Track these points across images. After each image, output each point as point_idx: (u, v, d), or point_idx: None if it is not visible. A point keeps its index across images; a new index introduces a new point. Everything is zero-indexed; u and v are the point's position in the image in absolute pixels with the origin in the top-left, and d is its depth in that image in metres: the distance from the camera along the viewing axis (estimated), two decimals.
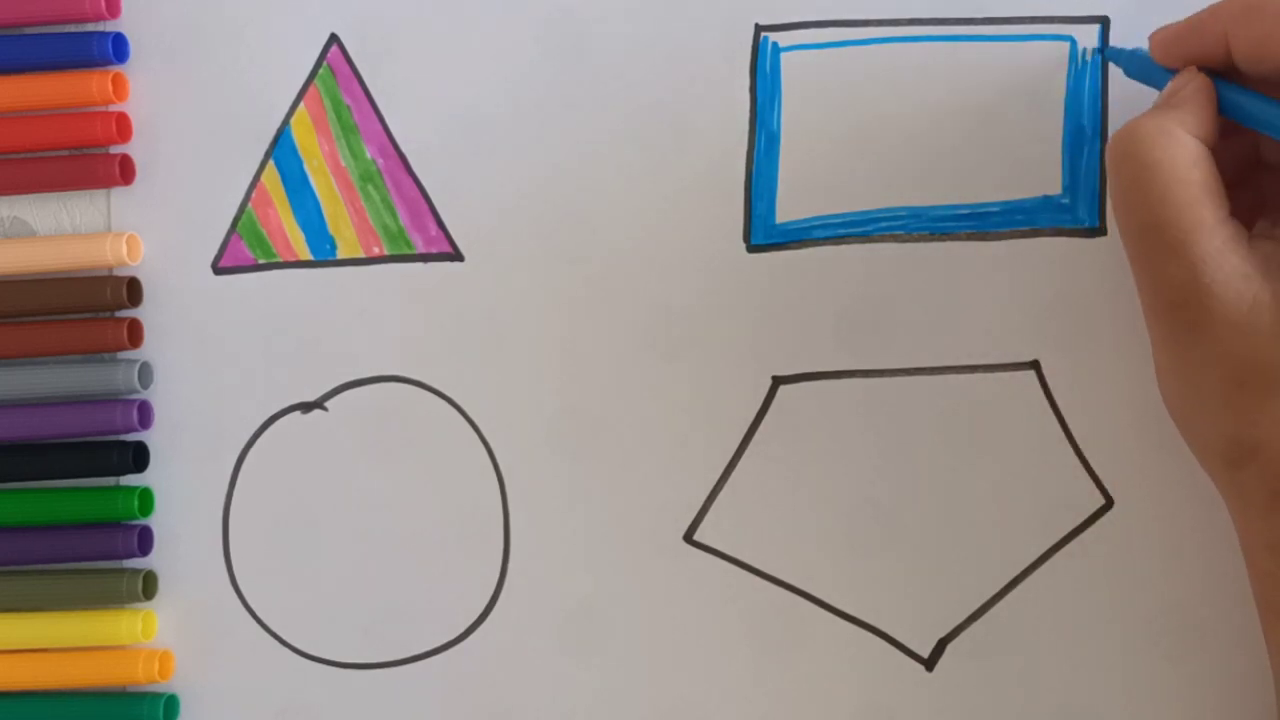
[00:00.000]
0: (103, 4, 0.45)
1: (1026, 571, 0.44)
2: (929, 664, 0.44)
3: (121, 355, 0.46)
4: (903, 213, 0.44)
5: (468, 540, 0.45)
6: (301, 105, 0.46)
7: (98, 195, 0.47)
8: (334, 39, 0.46)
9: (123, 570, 0.46)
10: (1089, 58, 0.43)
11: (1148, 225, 0.37)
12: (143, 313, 0.46)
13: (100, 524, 0.46)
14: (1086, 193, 0.44)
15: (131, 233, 0.46)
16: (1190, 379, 0.37)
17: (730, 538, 0.45)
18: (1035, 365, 0.44)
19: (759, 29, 0.44)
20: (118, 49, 0.46)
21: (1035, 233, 0.44)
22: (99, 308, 0.46)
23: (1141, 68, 0.41)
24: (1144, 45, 0.41)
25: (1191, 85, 0.38)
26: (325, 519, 0.46)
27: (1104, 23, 0.43)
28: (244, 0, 0.46)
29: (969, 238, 0.44)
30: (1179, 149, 0.36)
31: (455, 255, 0.46)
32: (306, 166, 0.46)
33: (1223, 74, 0.39)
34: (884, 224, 0.44)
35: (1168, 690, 0.43)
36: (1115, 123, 0.43)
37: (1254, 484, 0.37)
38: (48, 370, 0.45)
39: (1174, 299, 0.37)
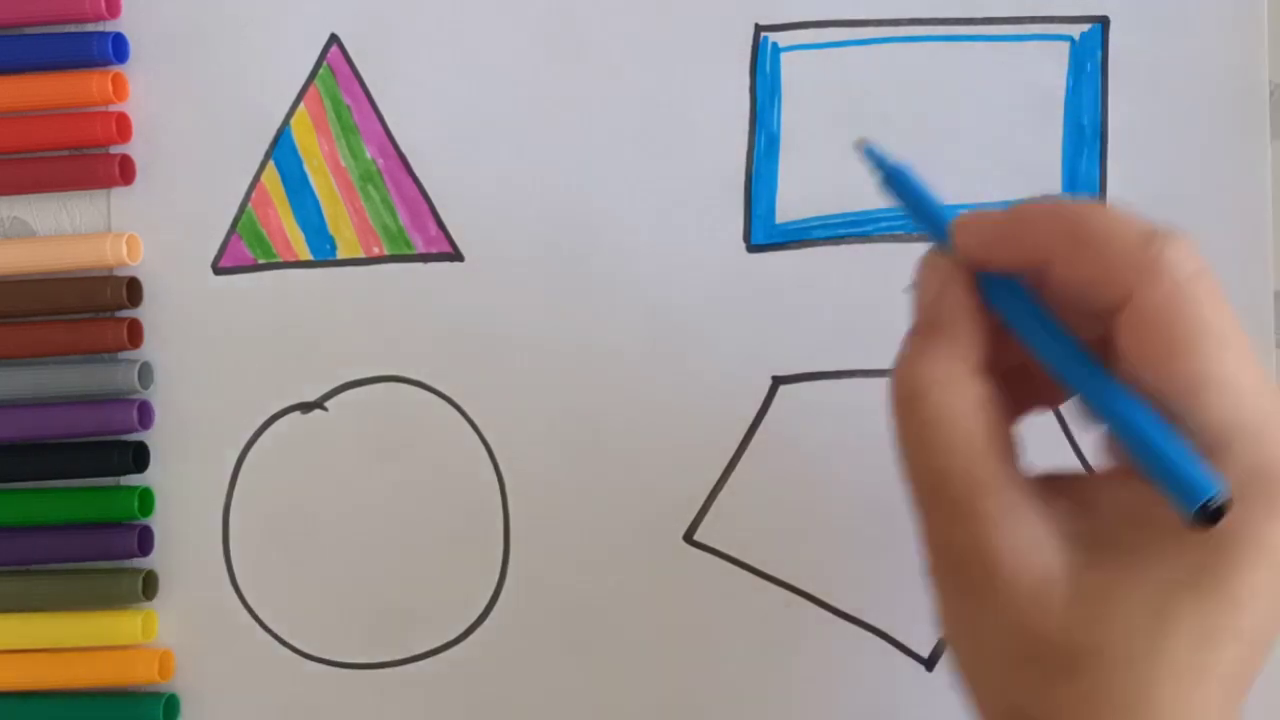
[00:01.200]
0: (103, 4, 0.45)
1: None
2: (929, 664, 0.44)
3: (121, 355, 0.46)
4: (903, 213, 0.44)
5: (468, 540, 0.45)
6: (301, 105, 0.46)
7: (98, 195, 0.46)
8: (334, 39, 0.46)
9: (123, 570, 0.46)
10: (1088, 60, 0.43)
11: (928, 482, 0.33)
12: (143, 313, 0.46)
13: (100, 524, 0.46)
14: (1085, 193, 0.44)
15: (131, 233, 0.46)
16: (975, 641, 0.33)
17: (730, 538, 0.45)
18: None
19: (759, 29, 0.44)
20: (118, 49, 0.46)
21: None
22: (99, 308, 0.46)
23: (903, 187, 0.37)
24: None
25: (950, 295, 0.34)
26: (325, 519, 0.46)
27: (1104, 23, 0.43)
28: (244, 0, 0.46)
29: None
30: (958, 398, 0.33)
31: (455, 255, 0.46)
32: (306, 166, 0.46)
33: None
34: (884, 224, 0.44)
35: None
36: (1115, 123, 0.43)
37: None
38: (48, 370, 0.45)
39: (956, 560, 0.33)
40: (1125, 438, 0.32)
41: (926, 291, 0.35)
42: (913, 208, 0.36)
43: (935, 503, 0.33)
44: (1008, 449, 0.33)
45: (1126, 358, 0.32)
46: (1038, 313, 0.34)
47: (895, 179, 0.37)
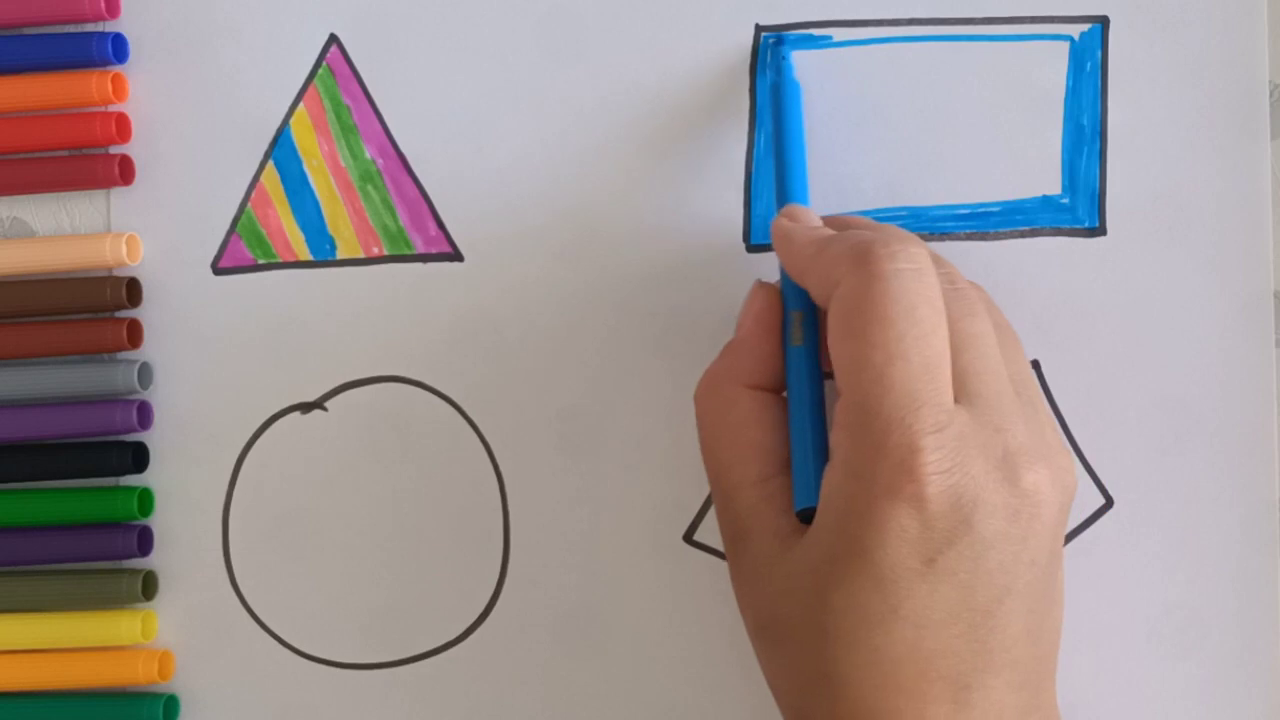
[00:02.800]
0: (102, 4, 0.45)
1: None
2: None
3: (121, 355, 0.46)
4: (903, 213, 0.44)
5: (468, 540, 0.45)
6: (301, 105, 0.46)
7: (97, 195, 0.46)
8: (334, 39, 0.46)
9: (123, 570, 0.46)
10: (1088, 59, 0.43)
11: (712, 473, 0.40)
12: (142, 313, 0.46)
13: (100, 524, 0.46)
14: (1086, 193, 0.44)
15: (131, 233, 0.46)
16: (735, 587, 0.40)
17: None
18: (1035, 365, 0.44)
19: (759, 29, 0.44)
20: (117, 49, 0.46)
21: (1035, 233, 0.44)
22: (99, 308, 0.46)
23: (784, 114, 0.43)
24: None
25: (749, 317, 0.40)
26: (325, 519, 0.46)
27: (1104, 23, 0.43)
28: (244, 0, 0.46)
29: (969, 238, 0.44)
30: (734, 411, 0.40)
31: (455, 255, 0.46)
32: (306, 167, 0.46)
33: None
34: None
35: (1168, 690, 0.43)
36: (1115, 122, 0.44)
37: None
38: (48, 370, 0.45)
39: (724, 528, 0.40)
40: (793, 439, 0.39)
41: (740, 315, 0.41)
42: (777, 144, 0.43)
43: (716, 488, 0.40)
44: (766, 456, 0.39)
45: (828, 346, 0.37)
46: (810, 329, 0.40)
47: (784, 98, 0.43)
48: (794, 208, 0.41)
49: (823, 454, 0.38)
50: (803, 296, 0.40)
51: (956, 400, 0.36)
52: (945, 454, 0.35)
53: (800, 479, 0.38)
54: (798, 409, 0.39)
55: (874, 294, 0.36)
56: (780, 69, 0.43)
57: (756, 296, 0.41)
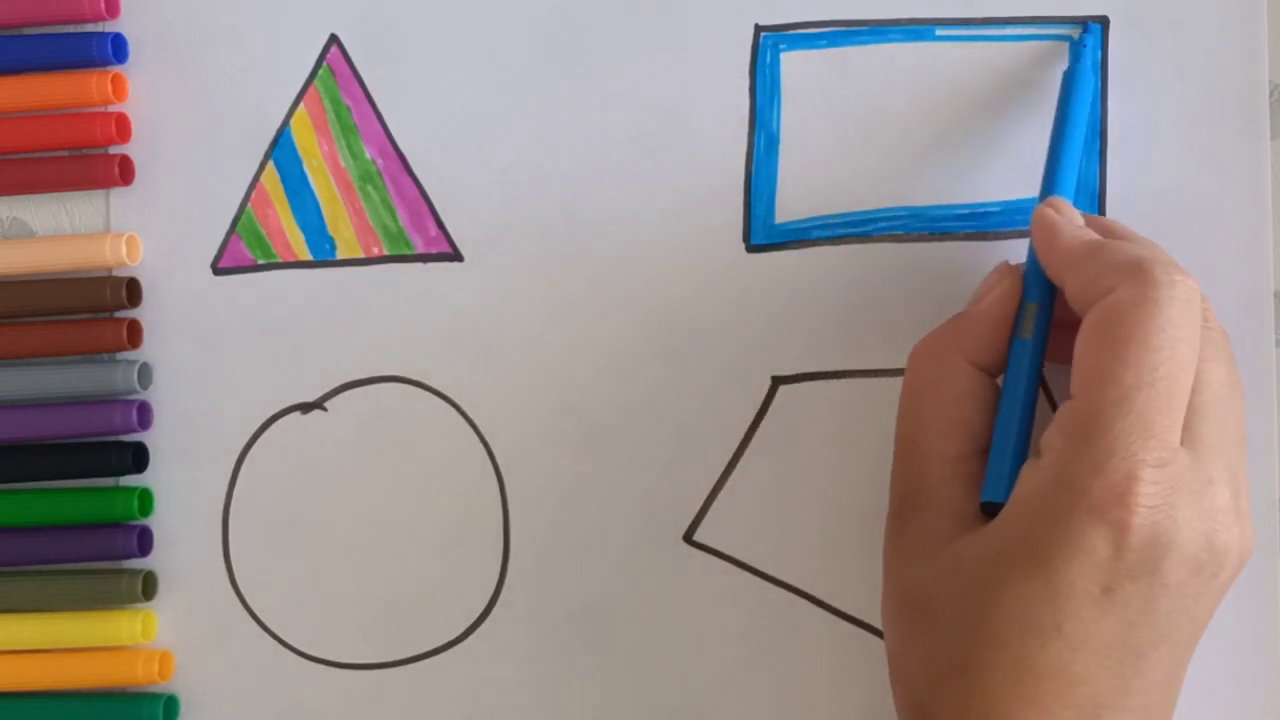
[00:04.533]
0: (102, 4, 0.45)
1: None
2: None
3: (121, 356, 0.46)
4: (903, 213, 0.44)
5: (468, 540, 0.45)
6: (301, 105, 0.46)
7: (97, 196, 0.46)
8: (334, 39, 0.46)
9: (122, 570, 0.46)
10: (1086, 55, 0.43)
11: (907, 435, 0.40)
12: (142, 313, 0.46)
13: (100, 524, 0.46)
14: (1085, 193, 0.44)
15: (131, 233, 0.46)
16: (891, 555, 0.40)
17: (730, 538, 0.45)
18: None
19: (759, 29, 0.44)
20: (117, 49, 0.46)
21: None
22: (98, 308, 0.46)
23: (1069, 107, 0.42)
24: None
25: (990, 298, 0.40)
26: (325, 519, 0.46)
27: (1104, 23, 0.43)
28: (244, 0, 0.46)
29: (969, 238, 0.44)
30: (951, 382, 0.39)
31: (455, 255, 0.45)
32: (306, 167, 0.46)
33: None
34: (884, 224, 0.44)
35: None
36: (1115, 123, 0.43)
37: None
38: (48, 370, 0.45)
39: (901, 493, 0.40)
40: (998, 429, 0.39)
41: (979, 290, 0.41)
42: (1056, 132, 0.42)
43: (905, 450, 0.40)
44: (970, 434, 0.39)
45: (1077, 349, 0.37)
46: (1041, 324, 0.40)
47: (1075, 88, 0.42)
48: (1059, 200, 0.40)
49: (1024, 451, 0.38)
50: (1044, 291, 0.39)
51: (1181, 441, 0.36)
52: (1159, 490, 0.35)
53: (996, 471, 0.38)
54: (1010, 401, 0.39)
55: (1144, 314, 0.36)
56: (1079, 56, 0.42)
57: (1003, 278, 0.40)
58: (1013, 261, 0.41)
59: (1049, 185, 0.41)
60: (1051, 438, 0.36)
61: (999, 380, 0.40)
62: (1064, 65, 0.43)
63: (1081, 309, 0.37)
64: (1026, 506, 0.36)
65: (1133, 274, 0.36)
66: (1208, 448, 0.36)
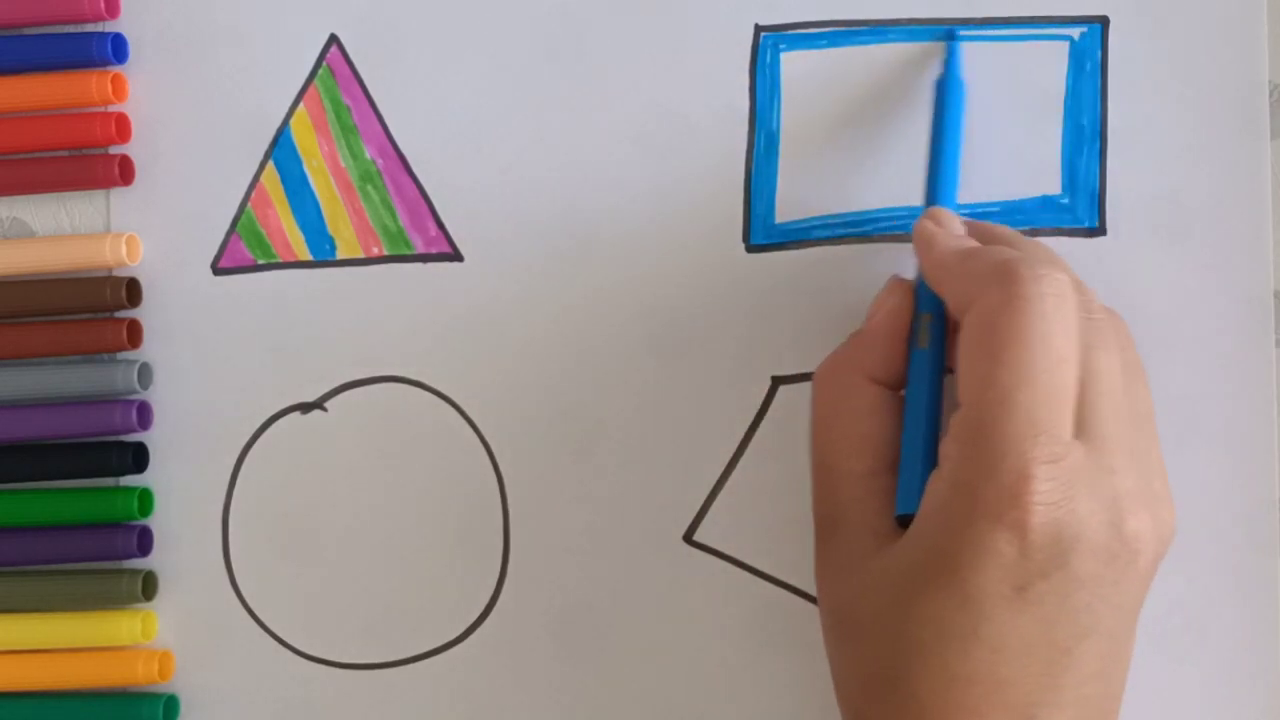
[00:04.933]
0: (102, 4, 0.45)
1: None
2: None
3: (121, 356, 0.46)
4: (903, 213, 0.44)
5: (468, 540, 0.45)
6: (301, 105, 0.46)
7: (97, 196, 0.46)
8: (333, 39, 0.46)
9: (122, 571, 0.46)
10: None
11: (818, 458, 0.40)
12: (142, 313, 0.46)
13: (100, 524, 0.46)
14: (1085, 193, 0.44)
15: (131, 233, 0.46)
16: (818, 574, 0.40)
17: (730, 538, 0.45)
18: None
19: (759, 29, 0.44)
20: (117, 49, 0.46)
21: (1035, 233, 0.44)
22: (98, 308, 0.46)
23: (945, 110, 0.43)
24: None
25: (882, 312, 0.40)
26: (325, 519, 0.46)
27: (1104, 23, 0.43)
28: (244, 0, 0.46)
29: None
30: (854, 401, 0.40)
31: (455, 255, 0.46)
32: (306, 167, 0.46)
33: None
34: (884, 224, 0.44)
35: (1168, 690, 0.43)
36: (1115, 122, 0.43)
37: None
38: (48, 371, 0.45)
39: (820, 514, 0.40)
40: (904, 442, 0.39)
41: (872, 307, 0.41)
42: (933, 142, 0.42)
43: (815, 476, 0.40)
44: (878, 451, 0.39)
45: (958, 358, 0.37)
46: (937, 334, 0.40)
47: (948, 95, 0.43)
48: (939, 211, 0.41)
49: (932, 461, 0.38)
50: (935, 301, 0.40)
51: (1074, 434, 0.36)
52: (1055, 486, 0.35)
53: (905, 483, 0.38)
54: (913, 412, 0.39)
55: (1013, 315, 0.36)
56: (947, 64, 0.43)
57: (892, 292, 0.41)
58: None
59: (929, 196, 0.42)
60: (947, 447, 0.37)
61: (903, 394, 0.40)
62: (1064, 66, 0.43)
63: (959, 317, 0.38)
64: (931, 517, 0.36)
65: (998, 277, 0.36)
66: (1104, 437, 0.36)
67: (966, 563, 0.35)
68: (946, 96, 0.42)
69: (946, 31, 0.43)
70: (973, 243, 0.39)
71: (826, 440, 0.40)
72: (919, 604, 0.36)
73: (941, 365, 0.40)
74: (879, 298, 0.41)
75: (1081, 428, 0.36)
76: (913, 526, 0.37)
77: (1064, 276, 0.37)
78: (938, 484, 0.36)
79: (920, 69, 0.44)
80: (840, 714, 0.39)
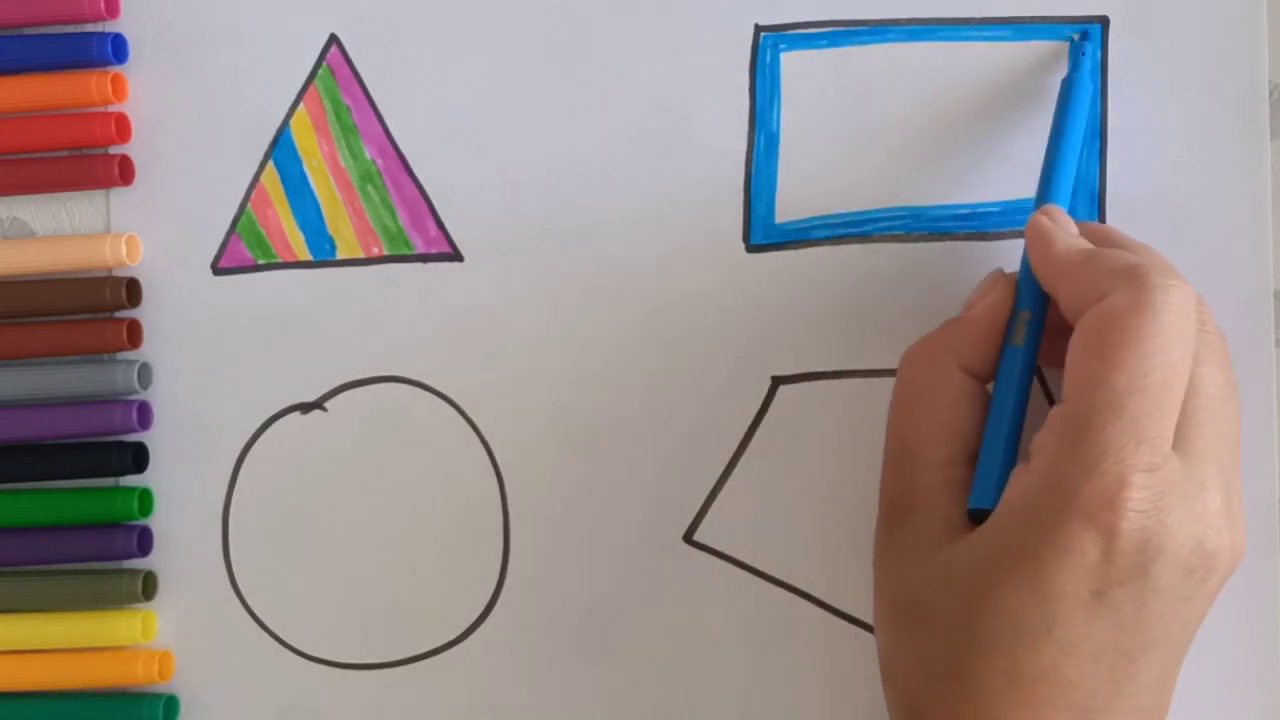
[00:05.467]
0: (102, 4, 0.45)
1: None
2: None
3: (121, 356, 0.46)
4: (903, 213, 0.44)
5: (468, 540, 0.45)
6: (301, 105, 0.46)
7: (97, 196, 0.46)
8: (333, 39, 0.46)
9: (122, 571, 0.46)
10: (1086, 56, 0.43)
11: (897, 440, 0.40)
12: (142, 313, 0.46)
13: (100, 524, 0.46)
14: (1086, 193, 0.44)
15: (131, 233, 0.46)
16: (881, 559, 0.40)
17: (730, 538, 0.45)
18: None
19: (759, 29, 0.44)
20: (117, 50, 0.46)
21: None
22: (98, 308, 0.46)
23: (1066, 115, 0.42)
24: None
25: (983, 304, 0.40)
26: (325, 519, 0.46)
27: (1104, 23, 0.43)
28: (244, 0, 0.46)
29: (969, 238, 0.44)
30: (943, 387, 0.39)
31: (455, 255, 0.46)
32: (306, 167, 0.46)
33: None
34: (884, 224, 0.44)
35: None
36: (1115, 123, 0.43)
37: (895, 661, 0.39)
38: (48, 371, 0.45)
39: (891, 498, 0.40)
40: (987, 436, 0.39)
41: (972, 296, 0.41)
42: (1053, 139, 0.42)
43: (896, 455, 0.40)
44: (961, 441, 0.39)
45: (1070, 353, 0.37)
46: (1032, 332, 0.40)
47: (1074, 96, 0.42)
48: (1054, 208, 0.41)
49: (1012, 459, 0.38)
50: (1037, 299, 0.40)
51: (1173, 445, 0.36)
52: (1149, 495, 0.35)
53: (983, 478, 0.38)
54: (1000, 408, 0.39)
55: (1138, 319, 0.36)
56: (1076, 64, 0.42)
57: (995, 285, 0.40)
58: (1007, 268, 0.41)
59: (1044, 193, 0.41)
60: (1043, 441, 0.36)
61: (989, 387, 0.40)
62: (1063, 66, 0.43)
63: (1075, 316, 0.37)
64: (1016, 510, 0.36)
65: (1127, 279, 0.36)
66: (1200, 452, 0.36)
67: (1050, 560, 0.35)
68: (1072, 96, 0.42)
69: (1080, 30, 0.43)
70: (1089, 244, 0.39)
71: (909, 424, 0.40)
72: (994, 597, 0.36)
73: (1033, 364, 0.40)
74: (980, 288, 0.41)
75: (1180, 441, 0.36)
76: (993, 518, 0.37)
77: (1189, 289, 0.37)
78: (1026, 477, 0.36)
79: (920, 69, 0.44)
80: (888, 703, 0.39)
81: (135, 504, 0.46)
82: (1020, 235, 0.44)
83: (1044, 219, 0.40)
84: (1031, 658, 0.35)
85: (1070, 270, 0.38)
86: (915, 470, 0.39)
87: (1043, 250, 0.39)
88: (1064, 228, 0.40)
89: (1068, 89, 0.42)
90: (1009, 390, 0.39)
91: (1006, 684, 0.35)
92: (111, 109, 0.46)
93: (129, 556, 0.46)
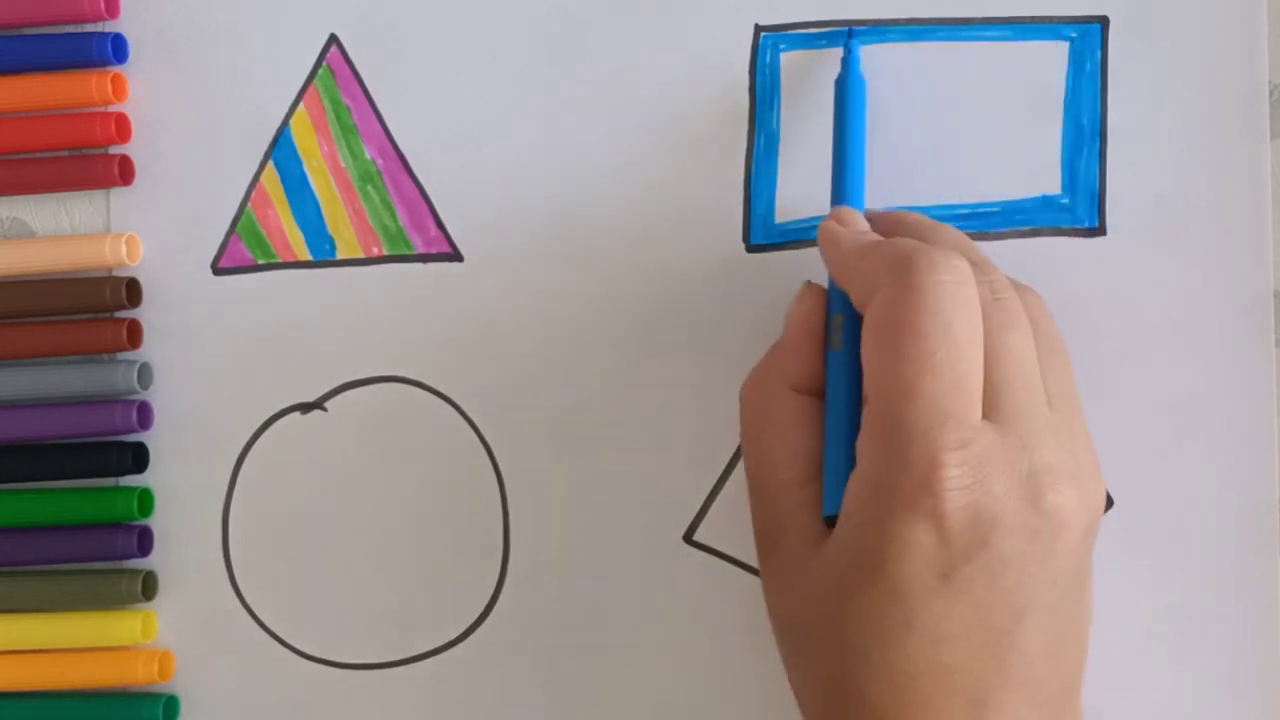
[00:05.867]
0: (102, 4, 0.45)
1: None
2: None
3: (121, 356, 0.46)
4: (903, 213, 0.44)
5: (468, 540, 0.45)
6: (301, 105, 0.46)
7: (97, 196, 0.46)
8: (333, 39, 0.46)
9: (122, 571, 0.46)
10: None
11: (751, 471, 0.40)
12: (142, 313, 0.46)
13: (100, 524, 0.46)
14: (1085, 193, 0.44)
15: (131, 233, 0.46)
16: (766, 588, 0.40)
17: (730, 538, 0.45)
18: None
19: (759, 29, 0.44)
20: (117, 50, 0.46)
21: (1035, 233, 0.44)
22: (98, 308, 0.46)
23: (847, 110, 0.43)
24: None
25: (793, 319, 0.41)
26: (325, 519, 0.46)
27: (1104, 23, 0.43)
28: (244, 0, 0.46)
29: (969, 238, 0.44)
30: (778, 412, 0.40)
31: (455, 255, 0.46)
32: (306, 167, 0.46)
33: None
34: None
35: (1168, 690, 0.43)
36: (1115, 122, 0.43)
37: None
38: (48, 371, 0.45)
39: (761, 528, 0.40)
40: (826, 445, 0.39)
41: (789, 316, 0.41)
42: (836, 142, 0.42)
43: (754, 486, 0.40)
44: (807, 458, 0.39)
45: (862, 353, 0.38)
46: (850, 334, 0.39)
47: (849, 94, 0.42)
48: (843, 210, 0.41)
49: (853, 461, 0.38)
50: (846, 301, 0.40)
51: (986, 416, 0.36)
52: (967, 470, 0.35)
53: (830, 486, 0.38)
54: (833, 415, 0.39)
55: (910, 305, 0.36)
56: (846, 63, 0.43)
57: (803, 298, 0.41)
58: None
59: (834, 197, 0.42)
60: (861, 444, 0.37)
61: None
62: (1063, 66, 0.43)
63: (865, 313, 0.38)
64: (853, 516, 0.36)
65: (893, 269, 0.37)
66: (1016, 416, 0.36)
67: (890, 557, 0.35)
68: (847, 96, 0.42)
69: (846, 32, 0.44)
70: (876, 237, 0.39)
71: (757, 453, 0.40)
72: (852, 604, 0.36)
73: (858, 365, 0.39)
74: (792, 305, 0.41)
75: (992, 409, 0.36)
76: (836, 528, 0.37)
77: (959, 262, 0.37)
78: (855, 483, 0.37)
79: (920, 69, 0.44)
80: None
81: (135, 504, 0.46)
82: (1022, 235, 0.44)
83: (830, 223, 0.40)
84: (903, 655, 0.35)
85: (851, 269, 0.39)
86: (774, 497, 0.39)
87: (831, 254, 0.40)
88: (852, 226, 0.40)
89: (841, 89, 0.43)
90: (838, 396, 0.39)
91: (890, 687, 0.35)
92: (111, 109, 0.46)
93: (129, 556, 0.46)
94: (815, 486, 0.39)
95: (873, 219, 0.42)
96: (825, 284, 0.41)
